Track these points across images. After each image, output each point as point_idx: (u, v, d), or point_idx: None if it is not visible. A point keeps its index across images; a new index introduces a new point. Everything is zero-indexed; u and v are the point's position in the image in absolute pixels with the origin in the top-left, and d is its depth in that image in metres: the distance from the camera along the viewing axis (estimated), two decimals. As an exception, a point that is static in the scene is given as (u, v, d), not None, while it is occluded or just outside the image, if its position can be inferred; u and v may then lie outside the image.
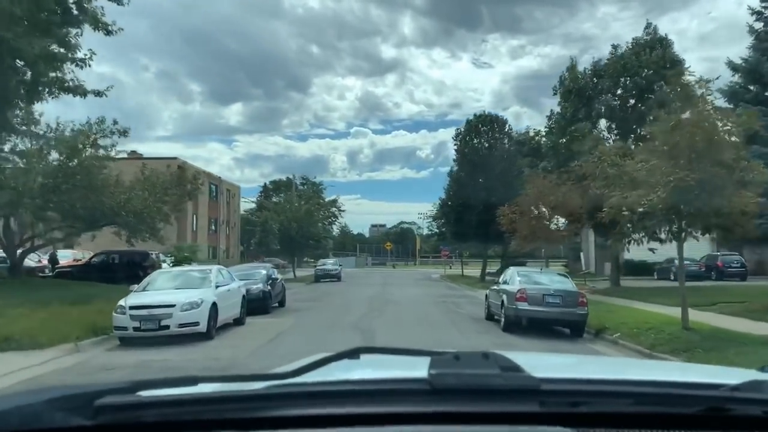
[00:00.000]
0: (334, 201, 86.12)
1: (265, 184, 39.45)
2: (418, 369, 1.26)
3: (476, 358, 1.28)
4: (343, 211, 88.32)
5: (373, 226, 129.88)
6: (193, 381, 1.24)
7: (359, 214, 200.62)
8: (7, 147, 22.11)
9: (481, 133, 37.98)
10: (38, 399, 1.16)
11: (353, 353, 1.37)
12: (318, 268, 43.12)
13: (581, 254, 51.45)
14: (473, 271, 51.94)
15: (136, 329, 12.16)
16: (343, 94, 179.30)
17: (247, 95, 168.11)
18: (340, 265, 44.41)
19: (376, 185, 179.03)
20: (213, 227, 54.88)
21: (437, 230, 50.49)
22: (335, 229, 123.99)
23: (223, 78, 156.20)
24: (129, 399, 1.18)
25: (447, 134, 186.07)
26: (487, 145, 37.99)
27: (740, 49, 48.57)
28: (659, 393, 1.30)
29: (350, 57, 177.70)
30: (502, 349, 1.55)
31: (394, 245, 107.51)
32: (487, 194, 35.86)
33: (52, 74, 20.14)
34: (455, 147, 38.76)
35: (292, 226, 40.32)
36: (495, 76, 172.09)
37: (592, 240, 49.63)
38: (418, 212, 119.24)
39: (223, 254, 56.45)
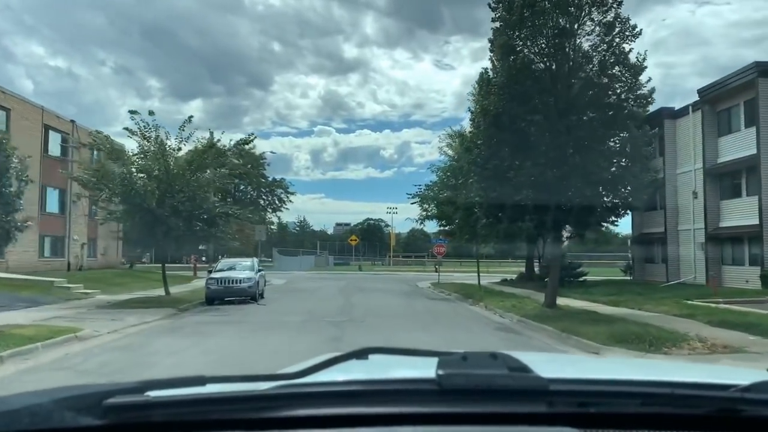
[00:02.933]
0: (281, 182, 65.52)
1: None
2: (426, 369, 1.24)
3: (485, 359, 1.26)
4: (292, 193, 68.37)
5: (338, 224, 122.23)
6: (202, 381, 1.22)
7: (324, 213, 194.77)
8: None
9: (543, 26, 16.81)
10: (48, 399, 1.16)
11: (361, 353, 1.33)
12: (212, 278, 21.88)
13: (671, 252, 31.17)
14: (485, 276, 31.86)
15: None
16: (305, 93, 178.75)
17: (208, 92, 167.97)
18: (259, 271, 23.28)
19: (340, 184, 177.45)
20: (58, 204, 32.82)
21: (433, 215, 29.78)
22: (295, 224, 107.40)
23: (183, 74, 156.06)
24: (138, 399, 1.17)
25: (410, 135, 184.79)
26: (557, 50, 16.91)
27: None
28: (668, 394, 1.26)
29: (312, 55, 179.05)
30: None
31: (361, 242, 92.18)
32: (559, 145, 15.67)
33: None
34: (491, 55, 17.72)
35: (148, 190, 19.02)
36: (457, 78, 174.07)
37: (693, 227, 29.78)
38: (387, 207, 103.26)
39: (82, 250, 34.48)
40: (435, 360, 1.26)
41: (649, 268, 34.46)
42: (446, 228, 30.40)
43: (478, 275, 28.45)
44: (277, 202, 67.42)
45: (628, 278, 36.17)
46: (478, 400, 1.19)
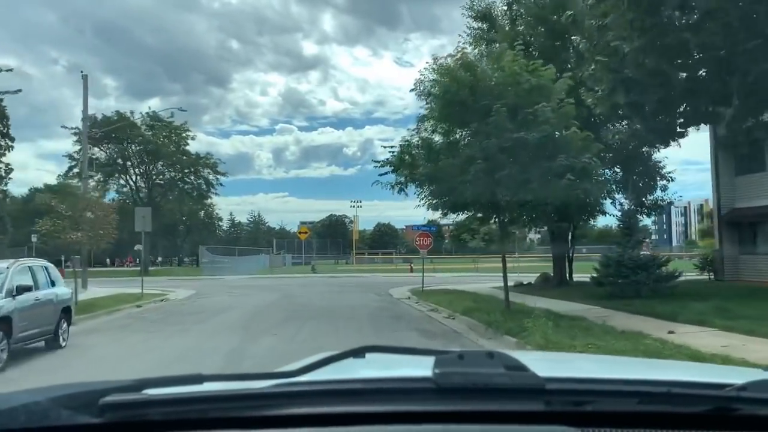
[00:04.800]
0: (207, 159, 50.52)
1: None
2: (423, 368, 1.23)
3: (481, 357, 1.25)
4: (222, 174, 53.40)
5: (302, 223, 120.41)
6: (199, 379, 1.20)
7: (288, 212, 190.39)
8: None
9: None
10: (45, 397, 1.15)
11: (358, 352, 1.33)
12: None
13: None
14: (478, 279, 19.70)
15: None
16: (265, 90, 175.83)
17: (165, 90, 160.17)
18: (26, 291, 10.00)
19: (304, 183, 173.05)
20: None
21: (424, 175, 16.72)
22: (249, 220, 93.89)
23: (139, 73, 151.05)
24: (135, 397, 1.15)
25: (373, 132, 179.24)
26: None
27: None
28: (665, 392, 1.25)
29: (271, 53, 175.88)
30: None
31: (322, 240, 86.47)
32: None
33: None
34: None
35: None
36: (417, 75, 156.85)
37: None
38: (351, 201, 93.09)
39: None
40: (432, 359, 1.24)
41: (749, 263, 22.38)
42: (441, 201, 17.62)
43: (505, 280, 15.73)
44: (204, 185, 53.36)
45: (707, 278, 24.06)
46: (475, 399, 1.18)
